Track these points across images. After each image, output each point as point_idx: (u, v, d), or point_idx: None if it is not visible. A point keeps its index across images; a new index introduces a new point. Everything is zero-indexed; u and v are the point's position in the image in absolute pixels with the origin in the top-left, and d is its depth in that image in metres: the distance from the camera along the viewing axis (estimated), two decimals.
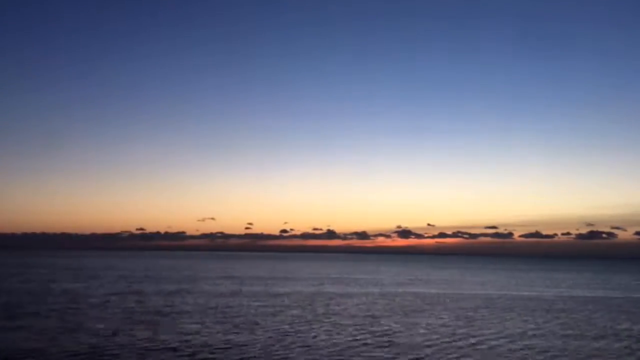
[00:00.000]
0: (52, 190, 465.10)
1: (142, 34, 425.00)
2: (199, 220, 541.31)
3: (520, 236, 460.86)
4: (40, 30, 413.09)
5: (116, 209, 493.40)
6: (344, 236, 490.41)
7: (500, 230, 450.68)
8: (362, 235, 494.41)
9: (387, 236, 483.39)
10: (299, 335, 29.06)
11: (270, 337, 27.99)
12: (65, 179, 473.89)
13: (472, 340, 28.20)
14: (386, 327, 32.14)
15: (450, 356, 24.31)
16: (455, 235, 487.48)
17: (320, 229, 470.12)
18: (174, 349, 24.41)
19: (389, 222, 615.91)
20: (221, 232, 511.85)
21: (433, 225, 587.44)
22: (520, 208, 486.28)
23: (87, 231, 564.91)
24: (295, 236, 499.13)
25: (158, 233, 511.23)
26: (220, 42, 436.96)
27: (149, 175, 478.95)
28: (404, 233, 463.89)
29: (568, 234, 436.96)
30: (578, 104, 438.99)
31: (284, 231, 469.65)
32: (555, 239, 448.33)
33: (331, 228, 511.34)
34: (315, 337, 28.54)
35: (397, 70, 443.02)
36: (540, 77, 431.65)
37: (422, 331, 30.91)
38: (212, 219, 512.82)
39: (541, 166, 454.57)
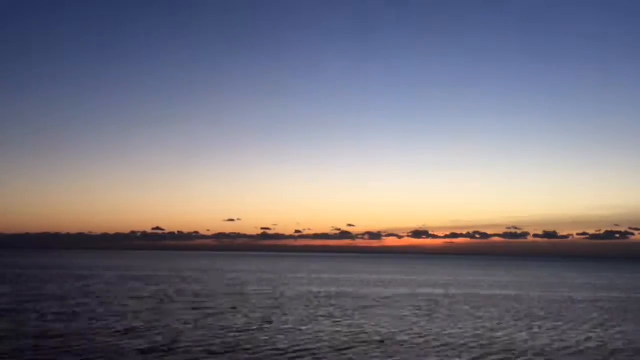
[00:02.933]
0: (65, 191, 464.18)
1: (146, 30, 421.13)
2: (225, 221, 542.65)
3: (535, 236, 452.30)
4: (40, 28, 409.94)
5: (134, 209, 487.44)
6: (354, 236, 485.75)
7: (524, 230, 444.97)
8: (375, 235, 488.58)
9: (399, 236, 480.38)
10: None
11: None
12: (80, 179, 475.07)
13: None
14: None
15: None
16: (468, 235, 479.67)
17: (339, 229, 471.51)
18: None
19: (413, 222, 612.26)
20: (236, 233, 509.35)
21: (455, 225, 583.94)
22: (539, 207, 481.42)
23: (99, 231, 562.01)
24: (304, 236, 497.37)
25: (171, 233, 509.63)
26: (226, 43, 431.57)
27: (175, 176, 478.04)
28: (417, 233, 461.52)
29: (584, 234, 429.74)
30: (592, 103, 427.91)
31: (297, 232, 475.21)
32: (570, 239, 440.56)
33: (350, 228, 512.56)
34: None
35: (408, 69, 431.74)
36: (551, 74, 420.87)
37: None
38: (239, 219, 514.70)
39: (556, 165, 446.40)
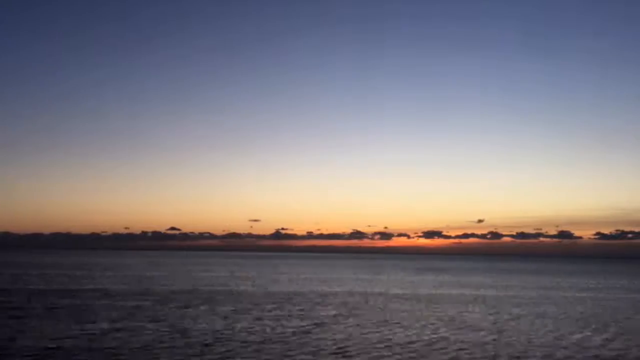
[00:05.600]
0: (76, 191, 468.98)
1: (150, 29, 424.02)
2: (250, 220, 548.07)
3: (546, 236, 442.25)
4: (41, 27, 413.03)
5: (151, 209, 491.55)
6: (363, 236, 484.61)
7: (541, 230, 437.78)
8: (386, 235, 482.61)
9: (409, 236, 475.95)
10: None
11: None
12: (91, 179, 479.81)
13: None
14: None
15: None
16: (481, 236, 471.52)
17: (355, 229, 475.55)
18: None
19: (429, 222, 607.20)
20: (248, 233, 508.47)
21: (470, 225, 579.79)
22: (552, 207, 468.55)
23: (111, 230, 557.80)
24: (314, 237, 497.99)
25: (184, 234, 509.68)
26: (239, 44, 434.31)
27: (195, 176, 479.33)
28: (430, 233, 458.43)
29: (597, 234, 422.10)
30: (604, 102, 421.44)
31: (309, 232, 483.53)
32: (582, 239, 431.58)
33: (368, 229, 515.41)
34: None
35: (418, 69, 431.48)
36: (562, 74, 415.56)
37: None
38: (259, 220, 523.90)
39: (570, 165, 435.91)
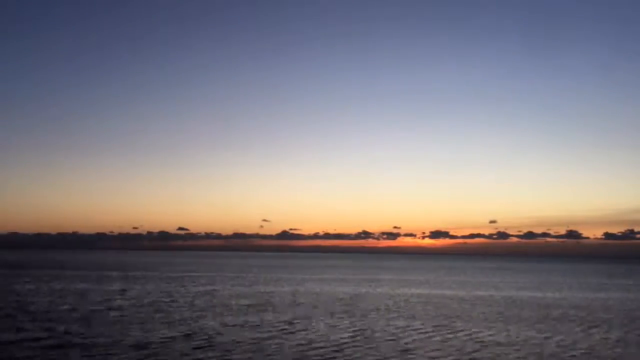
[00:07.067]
0: (85, 191, 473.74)
1: (158, 31, 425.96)
2: (264, 220, 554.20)
3: (553, 237, 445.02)
4: (45, 28, 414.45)
5: (160, 209, 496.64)
6: (365, 236, 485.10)
7: (556, 230, 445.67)
8: (391, 235, 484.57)
9: (414, 236, 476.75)
10: None
11: None
12: (101, 179, 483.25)
13: None
14: None
15: None
16: (489, 236, 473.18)
17: (363, 230, 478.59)
18: None
19: (437, 222, 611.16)
20: (255, 234, 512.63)
21: (476, 225, 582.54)
22: (560, 207, 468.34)
23: (118, 230, 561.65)
24: (319, 237, 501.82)
25: (191, 234, 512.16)
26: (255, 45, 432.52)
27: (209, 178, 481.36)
28: (437, 234, 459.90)
29: (605, 234, 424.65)
30: (612, 101, 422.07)
31: (316, 233, 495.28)
32: (589, 239, 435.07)
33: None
34: None
35: (424, 71, 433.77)
36: (561, 72, 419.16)
37: None
38: (270, 220, 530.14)
39: (578, 164, 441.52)
